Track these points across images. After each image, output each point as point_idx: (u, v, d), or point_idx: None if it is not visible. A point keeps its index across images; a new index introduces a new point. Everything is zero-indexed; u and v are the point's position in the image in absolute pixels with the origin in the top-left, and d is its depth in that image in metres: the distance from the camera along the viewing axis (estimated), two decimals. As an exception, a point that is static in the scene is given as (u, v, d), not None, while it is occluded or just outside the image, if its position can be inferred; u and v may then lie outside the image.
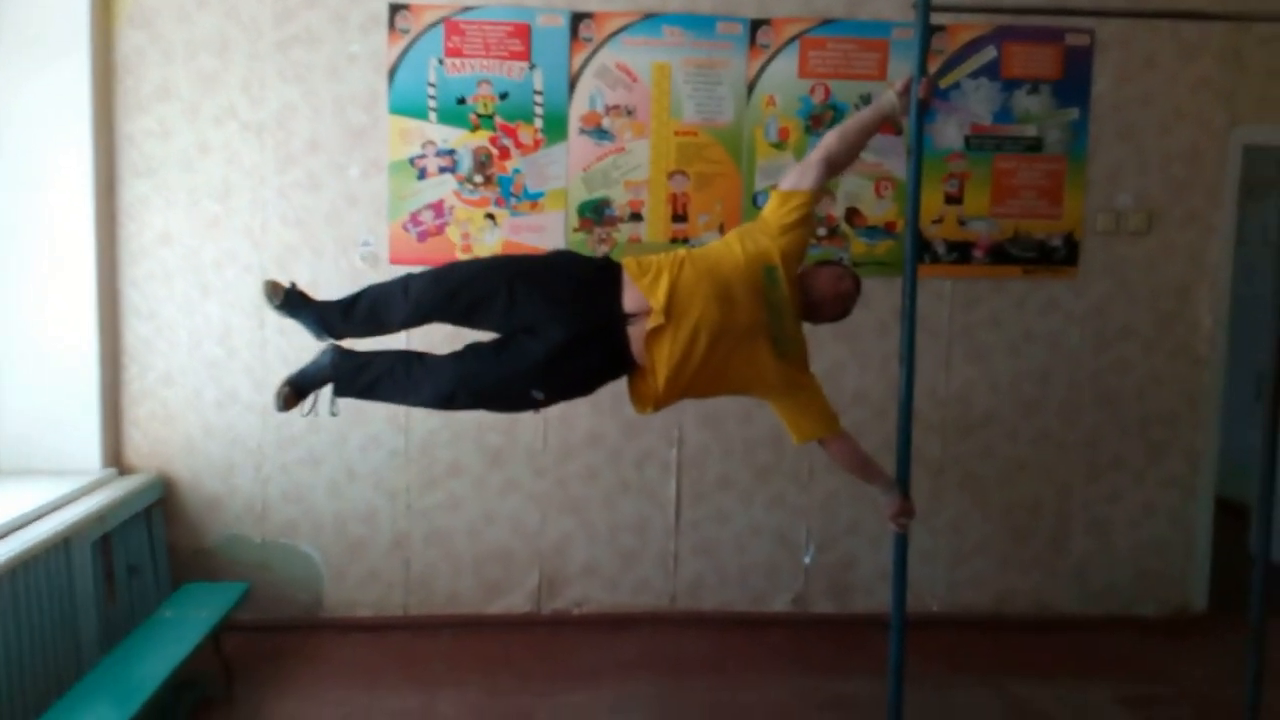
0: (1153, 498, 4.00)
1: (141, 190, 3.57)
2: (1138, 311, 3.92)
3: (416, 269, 3.56)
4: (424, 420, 3.71)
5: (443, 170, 3.65)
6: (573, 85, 3.65)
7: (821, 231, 3.77)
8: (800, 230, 2.67)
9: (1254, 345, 4.12)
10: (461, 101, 3.62)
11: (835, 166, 2.73)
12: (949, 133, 3.79)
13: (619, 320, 2.54)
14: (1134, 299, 3.91)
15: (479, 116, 3.63)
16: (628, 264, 2.60)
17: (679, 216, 3.72)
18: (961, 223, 3.82)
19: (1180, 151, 3.87)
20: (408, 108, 3.61)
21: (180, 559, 3.67)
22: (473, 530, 3.79)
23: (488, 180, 3.66)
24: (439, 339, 2.92)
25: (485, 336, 2.58)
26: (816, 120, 3.73)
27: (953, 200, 3.82)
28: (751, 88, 3.71)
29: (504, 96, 3.63)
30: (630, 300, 2.54)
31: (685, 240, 3.73)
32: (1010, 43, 3.77)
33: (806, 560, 3.91)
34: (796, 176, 2.72)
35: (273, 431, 3.68)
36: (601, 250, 3.71)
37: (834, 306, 2.70)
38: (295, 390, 2.59)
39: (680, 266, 2.56)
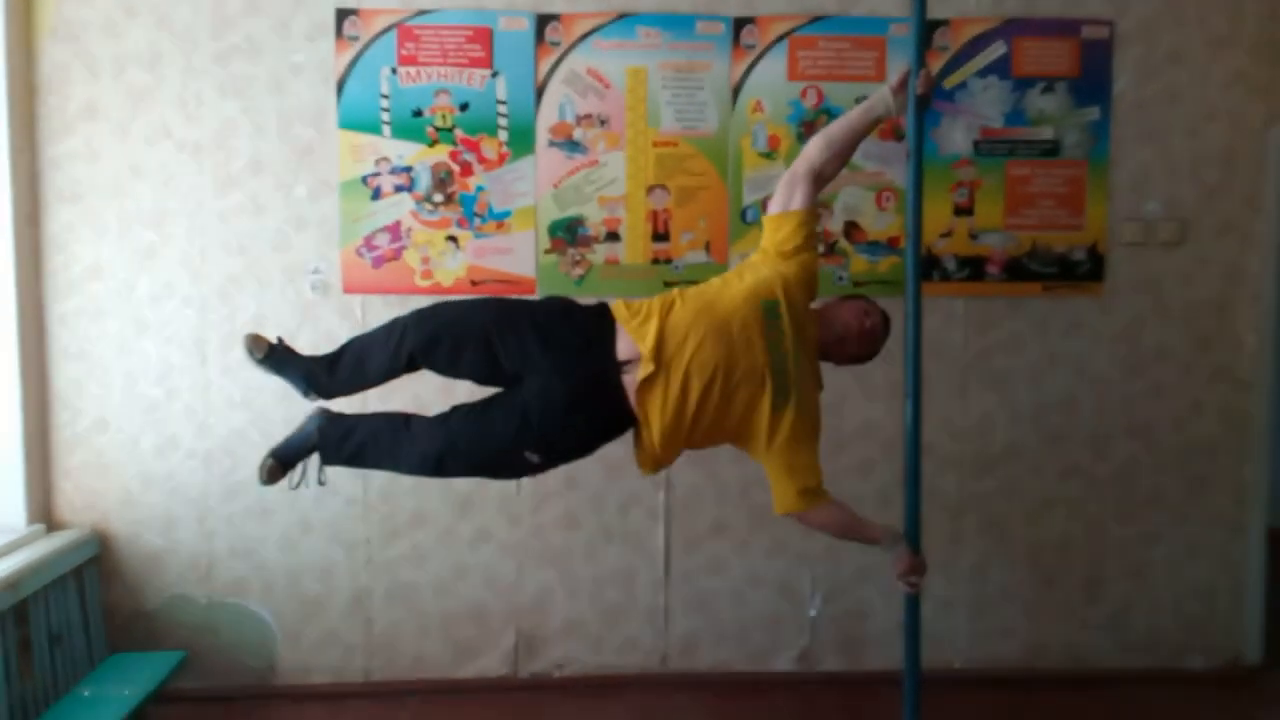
0: (1196, 537, 3.63)
1: (68, 218, 3.29)
2: (1172, 331, 3.57)
3: (372, 298, 3.34)
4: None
5: (399, 189, 3.36)
6: (540, 93, 3.36)
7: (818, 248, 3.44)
8: (802, 257, 2.43)
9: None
10: (418, 114, 3.34)
11: (822, 177, 2.45)
12: (956, 137, 3.47)
13: (614, 369, 2.30)
14: (1168, 317, 3.57)
15: (437, 130, 3.35)
16: (617, 307, 2.39)
17: (660, 235, 3.42)
18: (973, 236, 3.50)
19: (1213, 154, 3.54)
20: (359, 122, 3.33)
21: (117, 623, 3.36)
22: (441, 585, 3.47)
23: (448, 199, 3.37)
24: (438, 400, 2.61)
25: (481, 394, 2.42)
26: (809, 127, 3.42)
27: (962, 211, 3.50)
28: (736, 92, 3.41)
29: (464, 107, 3.35)
30: (624, 347, 2.31)
31: (668, 261, 3.43)
32: (1021, 37, 3.46)
33: (812, 613, 3.56)
34: (783, 196, 2.47)
35: (217, 480, 3.38)
36: (576, 273, 3.40)
37: (857, 345, 2.44)
38: (280, 461, 2.44)
39: (670, 307, 2.34)
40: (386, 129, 3.34)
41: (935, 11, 3.42)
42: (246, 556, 3.41)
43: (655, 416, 2.29)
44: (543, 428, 2.28)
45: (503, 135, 3.37)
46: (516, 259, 3.40)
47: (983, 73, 3.47)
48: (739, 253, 3.43)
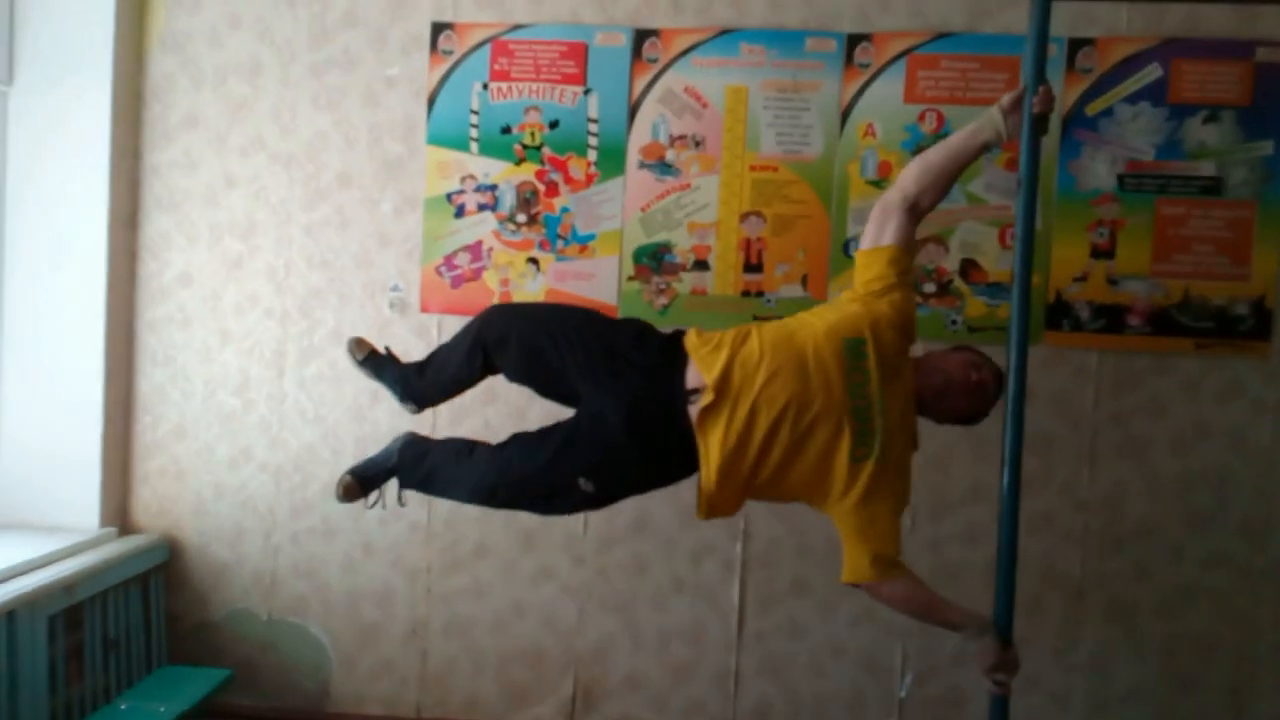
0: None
1: (164, 225, 3.36)
2: (1353, 396, 3.06)
3: (448, 319, 3.25)
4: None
5: (482, 208, 3.26)
6: (633, 112, 3.20)
7: (929, 288, 3.13)
8: (895, 295, 2.20)
9: None
10: (506, 131, 3.24)
11: (918, 209, 2.20)
12: (1098, 170, 3.09)
13: (680, 397, 2.15)
14: (1348, 379, 3.06)
15: (525, 148, 3.24)
16: (689, 334, 2.25)
17: (753, 266, 3.18)
18: (1112, 282, 3.10)
19: None
20: (447, 138, 3.26)
21: (181, 633, 3.37)
22: (499, 622, 3.32)
23: (532, 220, 3.25)
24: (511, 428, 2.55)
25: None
26: (926, 154, 3.11)
27: (1101, 253, 3.11)
28: (846, 115, 3.15)
29: (554, 125, 3.22)
30: (692, 375, 2.16)
31: (760, 294, 3.19)
32: (1181, 59, 3.06)
33: (902, 694, 3.21)
34: (874, 230, 2.26)
35: (285, 496, 3.35)
36: (660, 303, 3.21)
37: (962, 401, 2.20)
38: (359, 480, 2.46)
39: (745, 338, 2.20)
40: (474, 145, 3.26)
41: (1081, 29, 3.09)
42: (309, 576, 3.37)
43: (714, 450, 2.11)
44: (597, 452, 2.16)
45: (592, 155, 3.22)
46: (598, 285, 3.23)
47: (1132, 98, 3.08)
48: (839, 287, 3.15)
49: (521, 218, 3.25)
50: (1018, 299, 2.11)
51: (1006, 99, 2.13)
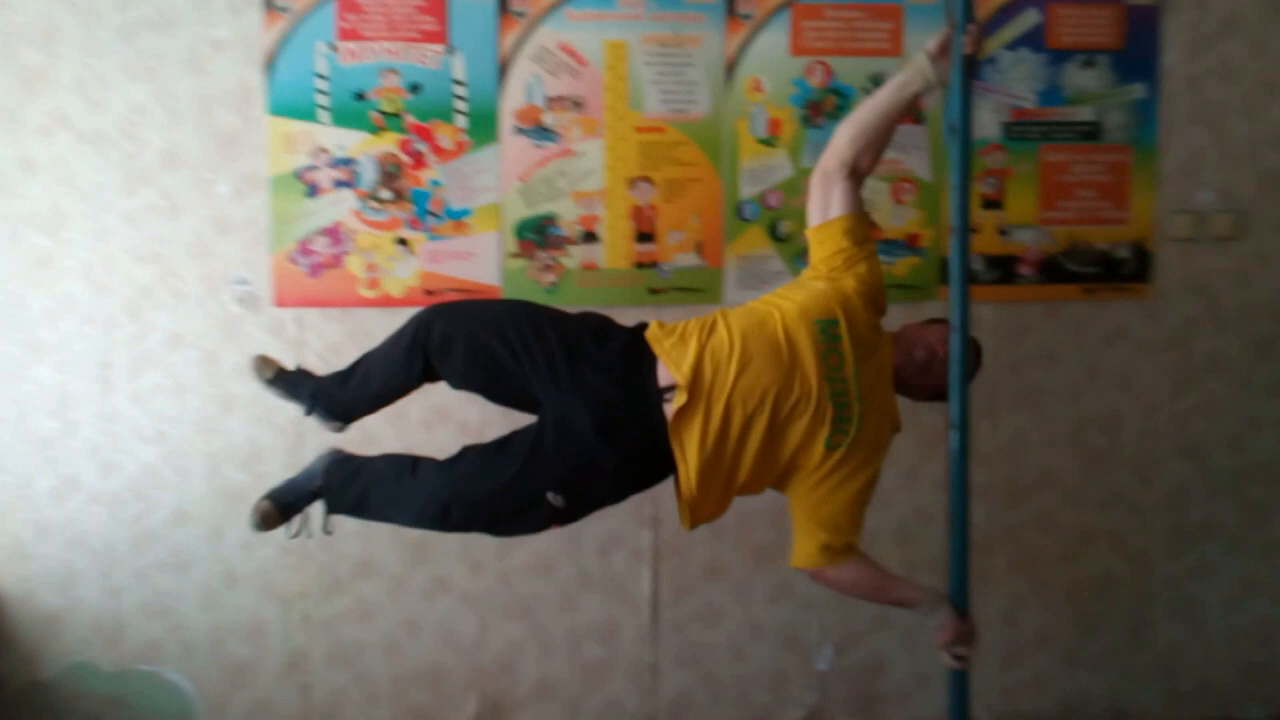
0: (1253, 570, 3.27)
1: (-54, 222, 2.85)
2: (1228, 338, 3.21)
3: (309, 312, 2.91)
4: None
5: (339, 185, 2.93)
6: (504, 73, 2.95)
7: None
8: (859, 268, 2.12)
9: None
10: (361, 97, 2.92)
11: (858, 171, 2.13)
12: (983, 119, 3.08)
13: (655, 397, 2.00)
14: (1222, 322, 3.20)
15: (384, 115, 2.92)
16: (651, 326, 2.14)
17: (645, 235, 3.01)
18: (1003, 232, 3.12)
19: (1273, 136, 3.17)
20: (291, 107, 2.90)
21: (8, 698, 2.91)
22: (391, 644, 3.05)
23: (398, 196, 2.94)
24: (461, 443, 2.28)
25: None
26: (815, 109, 3.02)
27: (992, 204, 3.11)
28: (731, 70, 3.01)
29: (415, 89, 2.92)
30: (661, 373, 2.02)
31: (654, 265, 3.02)
32: (1057, 4, 3.08)
33: (822, 665, 3.17)
34: (818, 202, 2.17)
35: (124, 527, 2.95)
36: (547, 280, 2.98)
37: (944, 376, 2.09)
38: (278, 505, 2.21)
39: (712, 328, 2.08)
40: (324, 115, 2.91)
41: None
42: (161, 616, 2.98)
43: (692, 452, 1.98)
44: (566, 462, 1.99)
45: (461, 121, 2.94)
46: (478, 264, 2.98)
47: (1013, 45, 3.08)
48: (735, 255, 3.03)
49: (386, 194, 2.94)
50: (958, 252, 2.04)
51: (932, 44, 2.04)
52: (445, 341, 2.09)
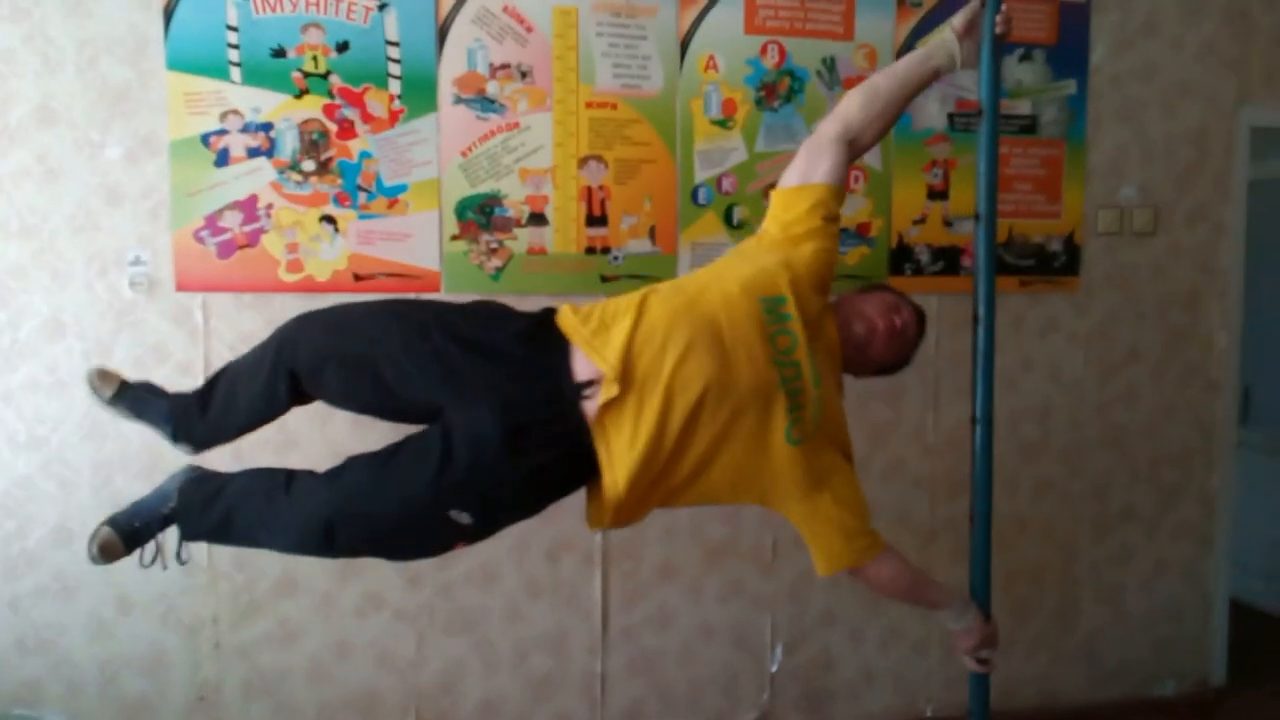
0: (1166, 552, 3.44)
1: None
2: (1146, 330, 3.35)
3: (219, 298, 2.56)
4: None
5: (254, 153, 2.60)
6: (443, 35, 2.70)
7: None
8: (818, 243, 1.89)
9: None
10: (279, 54, 2.60)
11: (857, 145, 1.96)
12: (931, 109, 3.09)
13: (571, 394, 1.72)
14: (1141, 314, 3.34)
15: (306, 76, 2.62)
16: (563, 313, 1.83)
17: (596, 218, 2.83)
18: (948, 223, 3.13)
19: (1185, 134, 3.34)
20: (196, 61, 2.56)
21: None
22: (317, 669, 2.75)
23: (323, 168, 2.64)
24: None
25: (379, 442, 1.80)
26: (770, 91, 2.93)
27: (937, 195, 3.12)
28: (685, 45, 2.87)
29: (343, 48, 2.64)
30: (581, 365, 1.73)
31: (605, 250, 2.85)
32: (999, -4, 3.10)
33: (774, 667, 3.09)
34: (803, 165, 1.93)
35: (-6, 551, 2.51)
36: (492, 265, 2.76)
37: (884, 351, 1.91)
38: (122, 533, 1.85)
39: (641, 310, 1.78)
40: (236, 72, 2.58)
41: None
42: (42, 651, 2.58)
43: (622, 452, 1.71)
44: (474, 475, 1.69)
45: (394, 87, 2.67)
46: (415, 247, 2.72)
47: (958, 35, 3.08)
48: (690, 241, 2.90)
49: (309, 165, 2.64)
50: (983, 240, 1.97)
51: (958, 20, 1.95)
52: (316, 360, 1.80)
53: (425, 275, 2.73)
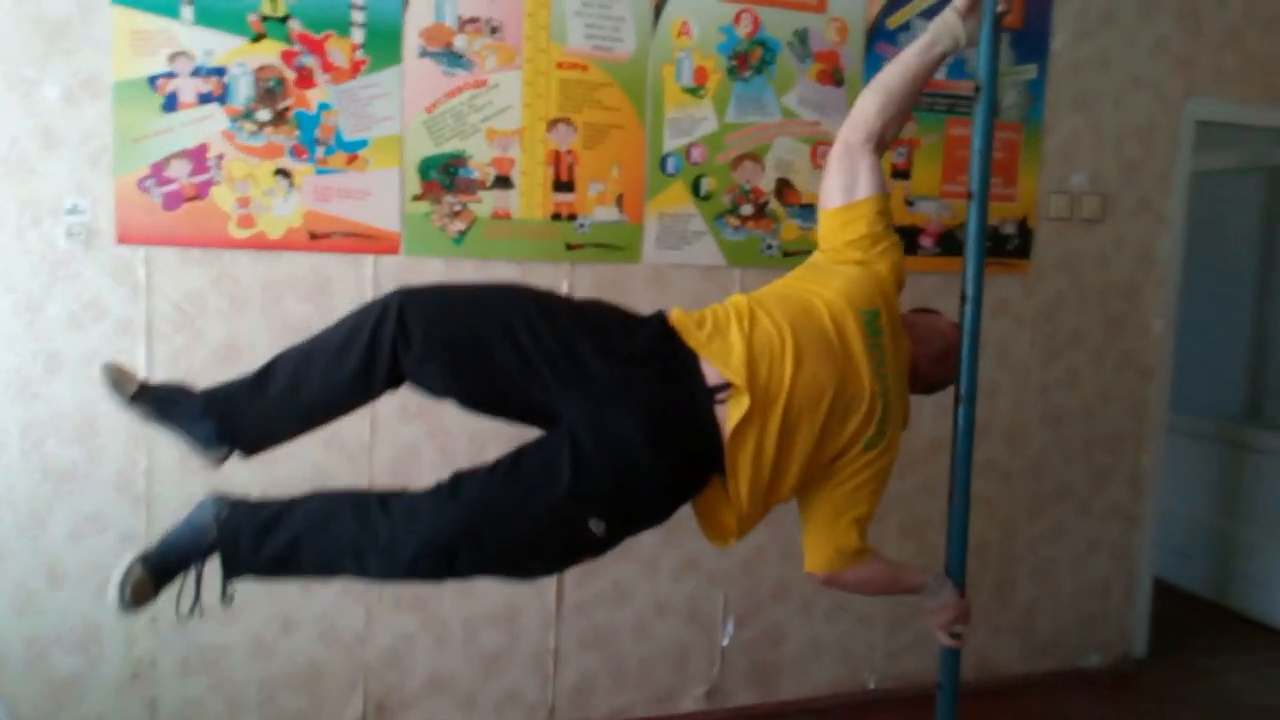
0: (1096, 530, 3.58)
1: None
2: (1088, 314, 3.45)
3: (162, 252, 2.42)
4: (173, 482, 2.51)
5: (205, 99, 2.45)
6: (410, -17, 2.57)
7: (746, 210, 2.94)
8: (893, 256, 1.94)
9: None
10: (235, -7, 2.44)
11: (883, 143, 2.02)
12: (898, 87, 3.07)
13: (707, 398, 1.70)
14: (1085, 300, 3.44)
15: (263, 20, 2.47)
16: (675, 315, 1.78)
17: (563, 184, 2.76)
18: (909, 203, 3.14)
19: (1135, 126, 3.43)
20: (144, -4, 2.38)
21: None
22: (258, 645, 2.65)
23: (279, 118, 2.50)
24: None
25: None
26: (742, 61, 2.89)
27: (900, 174, 3.13)
28: (659, 10, 2.81)
29: (304, -9, 2.49)
30: (708, 370, 1.71)
31: (572, 218, 2.77)
32: (968, -22, 3.11)
33: (725, 641, 3.11)
34: (840, 180, 1.92)
35: (-90, 518, 2.33)
36: (455, 229, 2.66)
37: (952, 367, 1.98)
38: (154, 572, 1.63)
39: (751, 317, 1.76)
40: (187, 11, 2.41)
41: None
42: (-39, 626, 2.40)
43: (747, 465, 1.70)
44: (615, 479, 1.63)
45: (358, 35, 2.54)
46: (374, 206, 2.60)
47: (926, 12, 3.09)
48: (657, 211, 2.85)
49: (264, 114, 2.49)
50: (975, 219, 1.98)
51: (960, 1, 1.94)
52: (433, 338, 1.65)
53: (384, 236, 2.62)
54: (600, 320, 1.76)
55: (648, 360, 1.69)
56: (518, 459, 1.66)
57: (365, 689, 2.76)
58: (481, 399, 1.73)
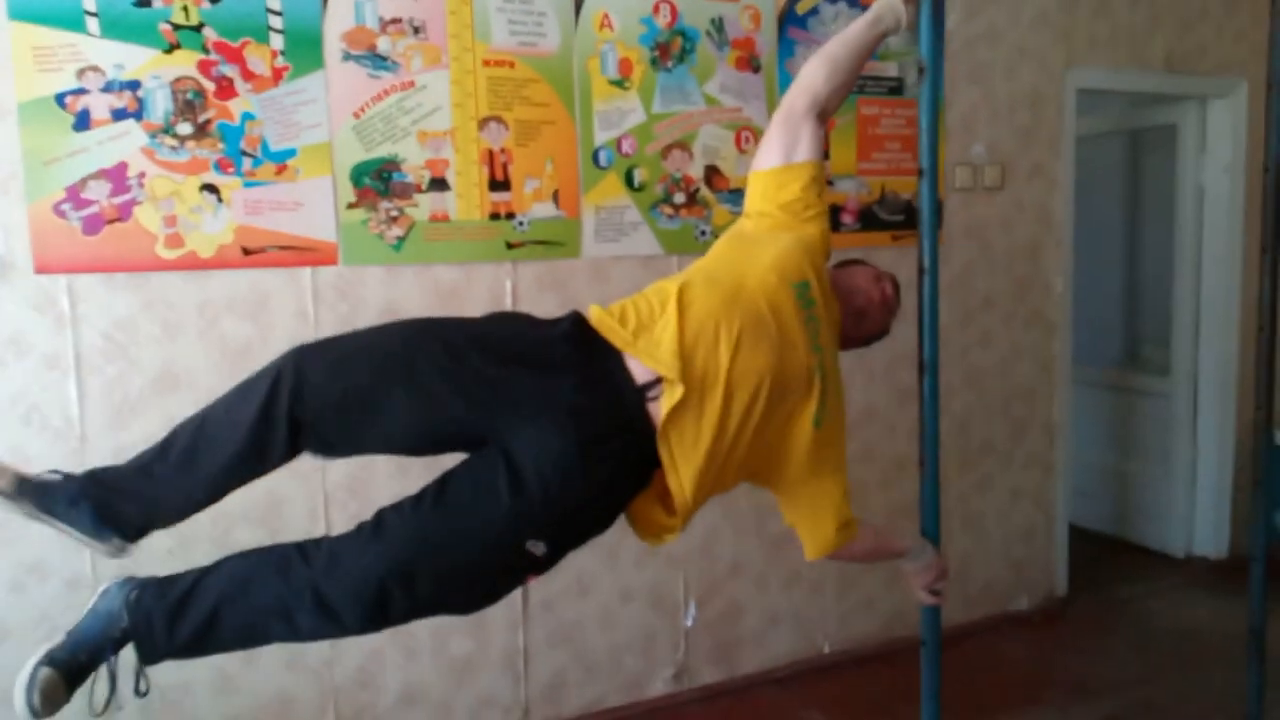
0: (1018, 480, 3.78)
1: None
2: (997, 278, 3.64)
3: (86, 280, 2.29)
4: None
5: (120, 115, 2.32)
6: (327, -15, 2.49)
7: (679, 198, 2.97)
8: (822, 223, 1.91)
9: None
10: (144, 3, 2.31)
11: (826, 113, 2.02)
12: (811, 70, 3.16)
13: (636, 397, 1.62)
14: (993, 264, 3.62)
15: (176, 29, 2.35)
16: (597, 316, 1.70)
17: (499, 183, 2.73)
18: (830, 182, 3.23)
19: (1024, 96, 3.63)
20: (44, 11, 2.25)
21: None
22: (221, 680, 2.55)
23: (201, 131, 2.39)
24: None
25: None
26: (664, 51, 2.92)
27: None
28: (579, 4, 2.80)
29: (217, -2, 2.38)
30: (635, 367, 1.64)
31: (510, 216, 2.75)
32: (868, -39, 3.22)
33: (688, 622, 3.15)
34: (781, 143, 1.93)
35: None
36: (393, 235, 2.60)
37: (881, 320, 1.99)
38: (65, 671, 1.49)
39: (681, 303, 1.68)
40: (93, 23, 2.28)
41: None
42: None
43: (687, 455, 1.64)
44: (550, 497, 1.55)
45: (277, 41, 2.45)
46: (308, 216, 2.52)
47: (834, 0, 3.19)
48: (593, 204, 2.85)
49: (184, 128, 2.37)
50: (927, 194, 2.04)
51: (899, -18, 2.01)
52: (329, 398, 1.54)
53: (321, 247, 2.53)
54: (508, 335, 1.68)
55: (566, 368, 1.62)
56: (442, 487, 1.58)
57: (336, 712, 2.68)
58: (399, 443, 1.65)
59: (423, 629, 2.76)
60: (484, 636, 2.86)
